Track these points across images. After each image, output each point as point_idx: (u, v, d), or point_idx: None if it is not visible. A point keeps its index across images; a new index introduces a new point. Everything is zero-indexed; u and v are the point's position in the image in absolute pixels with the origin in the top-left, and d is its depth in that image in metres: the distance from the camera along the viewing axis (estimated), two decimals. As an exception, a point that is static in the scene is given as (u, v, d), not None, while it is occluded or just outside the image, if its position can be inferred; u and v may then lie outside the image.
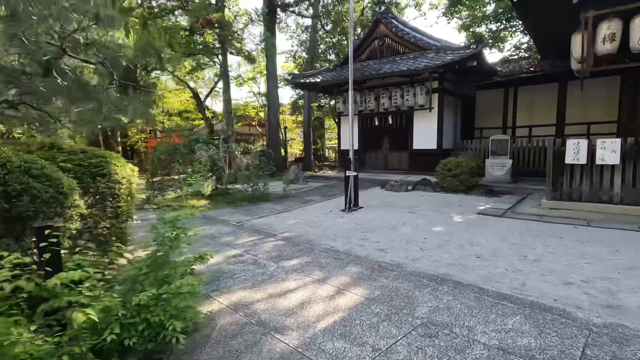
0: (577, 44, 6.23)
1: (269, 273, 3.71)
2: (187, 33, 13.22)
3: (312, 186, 10.79)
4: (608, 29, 5.70)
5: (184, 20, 13.03)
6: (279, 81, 18.56)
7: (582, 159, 5.93)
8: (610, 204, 5.80)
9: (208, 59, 14.98)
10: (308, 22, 18.43)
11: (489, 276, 3.47)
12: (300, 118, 24.83)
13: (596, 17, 5.82)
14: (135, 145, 19.34)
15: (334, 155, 21.37)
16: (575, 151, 5.98)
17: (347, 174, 6.86)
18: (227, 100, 13.71)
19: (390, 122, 12.00)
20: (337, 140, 13.89)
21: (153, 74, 13.92)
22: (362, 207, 7.06)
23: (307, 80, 12.72)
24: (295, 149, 27.49)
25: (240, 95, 61.78)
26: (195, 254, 2.74)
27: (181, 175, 8.51)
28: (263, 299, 3.09)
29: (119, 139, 17.19)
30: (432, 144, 11.25)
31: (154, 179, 8.01)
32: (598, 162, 5.81)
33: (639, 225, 5.06)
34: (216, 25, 11.11)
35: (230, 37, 13.30)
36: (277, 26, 20.23)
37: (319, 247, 4.62)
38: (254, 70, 19.33)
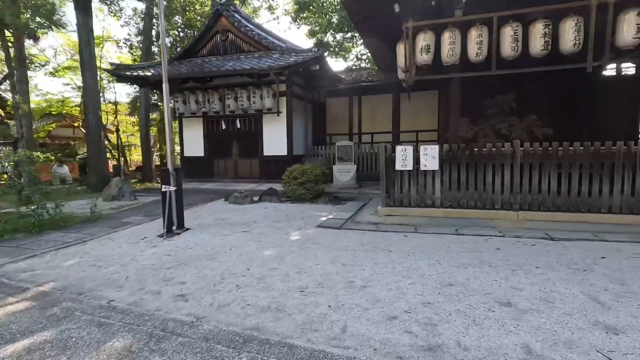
0: (401, 53, 6.40)
1: (-61, 386, 2.08)
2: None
3: (139, 203, 8.78)
4: (424, 40, 5.95)
5: None
6: (108, 74, 15.32)
7: (409, 165, 6.06)
8: (434, 208, 6.07)
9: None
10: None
11: (307, 322, 2.71)
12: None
13: (415, 27, 6.04)
14: None
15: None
16: (403, 157, 6.07)
17: (163, 189, 5.41)
18: (20, 90, 10.22)
19: (239, 126, 10.95)
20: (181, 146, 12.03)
21: None
22: (188, 229, 5.72)
23: (135, 74, 10.53)
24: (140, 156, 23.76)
25: (57, 88, 51.14)
26: None
27: None
28: None
29: None
30: (282, 150, 10.69)
31: None
32: (422, 168, 6.02)
33: (456, 227, 5.31)
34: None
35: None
36: (108, 8, 16.86)
37: (89, 304, 3.13)
38: (73, 59, 15.50)
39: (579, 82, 10.44)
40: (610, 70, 10.50)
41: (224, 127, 11.13)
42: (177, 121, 12.02)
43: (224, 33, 10.88)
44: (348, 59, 16.22)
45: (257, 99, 10.20)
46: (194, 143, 11.61)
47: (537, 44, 5.46)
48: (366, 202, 8.04)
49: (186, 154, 11.83)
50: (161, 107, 17.43)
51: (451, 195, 5.99)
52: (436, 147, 5.92)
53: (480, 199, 5.85)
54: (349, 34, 14.07)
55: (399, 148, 6.10)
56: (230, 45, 11.00)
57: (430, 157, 5.93)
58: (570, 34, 5.28)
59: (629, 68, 10.34)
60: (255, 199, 8.41)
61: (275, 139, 10.75)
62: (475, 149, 5.86)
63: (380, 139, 12.26)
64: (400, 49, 6.38)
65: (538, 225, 5.28)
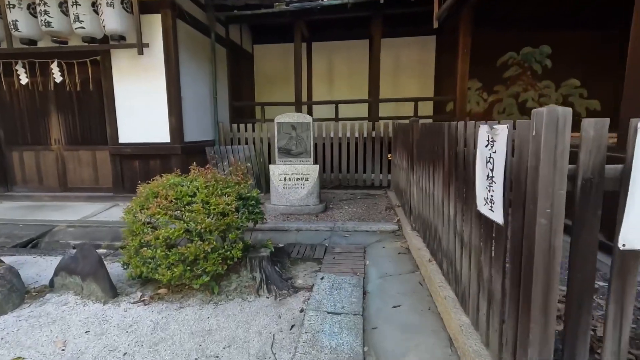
0: None
1: None
2: None
3: None
4: None
5: None
6: None
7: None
8: None
9: None
10: None
11: None
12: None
13: None
14: None
15: None
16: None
17: None
18: None
19: (60, 77, 4.98)
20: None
21: None
22: None
23: None
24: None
25: None
26: None
27: None
28: None
29: None
30: (161, 133, 5.07)
31: None
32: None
33: None
34: None
35: None
36: None
37: None
38: None
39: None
40: None
41: (23, 80, 5.05)
42: None
43: None
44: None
45: (85, 9, 4.34)
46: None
47: None
48: (360, 272, 3.04)
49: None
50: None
51: None
52: None
53: None
54: None
55: (501, 127, 1.12)
56: None
57: None
58: None
59: None
60: (42, 281, 2.84)
61: (142, 109, 5.05)
62: None
63: (348, 113, 7.22)
64: None
65: None
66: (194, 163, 3.07)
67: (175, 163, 4.93)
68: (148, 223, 2.63)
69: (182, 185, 2.73)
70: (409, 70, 8.04)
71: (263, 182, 5.93)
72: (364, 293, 2.71)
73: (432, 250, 2.84)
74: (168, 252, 2.49)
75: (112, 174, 5.24)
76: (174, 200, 2.58)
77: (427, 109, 7.87)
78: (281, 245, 3.75)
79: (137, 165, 5.16)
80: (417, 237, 3.36)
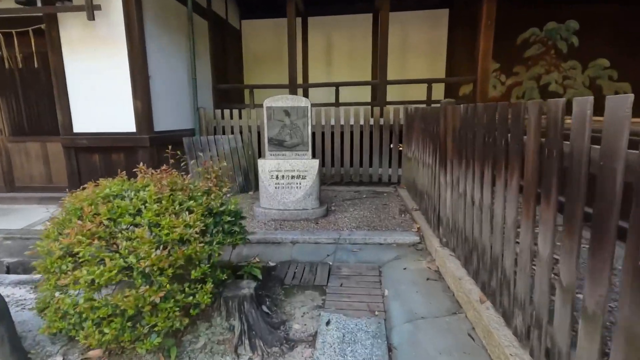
0: None
1: None
2: None
3: None
4: None
5: None
6: None
7: None
8: None
9: None
10: None
11: None
12: None
13: None
14: None
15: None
16: None
17: None
18: None
19: (-5, 52, 4.00)
20: None
21: None
22: None
23: None
24: None
25: None
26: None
27: None
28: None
29: None
30: (123, 121, 4.13)
31: None
32: None
33: None
34: None
35: None
36: None
37: None
38: None
39: None
40: None
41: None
42: None
43: None
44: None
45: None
46: None
47: None
48: (379, 308, 2.20)
49: None
50: None
51: None
52: None
53: None
54: None
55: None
56: None
57: None
58: None
59: None
60: None
61: (100, 91, 4.10)
62: None
63: (347, 98, 6.30)
64: None
65: None
66: (140, 163, 2.16)
67: (142, 157, 4.03)
68: (70, 255, 1.75)
69: (123, 198, 1.85)
70: (417, 48, 7.10)
71: (252, 179, 5.05)
72: (389, 349, 1.89)
73: (486, 287, 2.00)
74: (97, 302, 1.62)
75: (67, 170, 4.31)
76: (105, 222, 1.71)
77: (437, 92, 6.98)
78: (272, 264, 2.94)
79: (96, 159, 4.24)
80: (451, 259, 2.53)
